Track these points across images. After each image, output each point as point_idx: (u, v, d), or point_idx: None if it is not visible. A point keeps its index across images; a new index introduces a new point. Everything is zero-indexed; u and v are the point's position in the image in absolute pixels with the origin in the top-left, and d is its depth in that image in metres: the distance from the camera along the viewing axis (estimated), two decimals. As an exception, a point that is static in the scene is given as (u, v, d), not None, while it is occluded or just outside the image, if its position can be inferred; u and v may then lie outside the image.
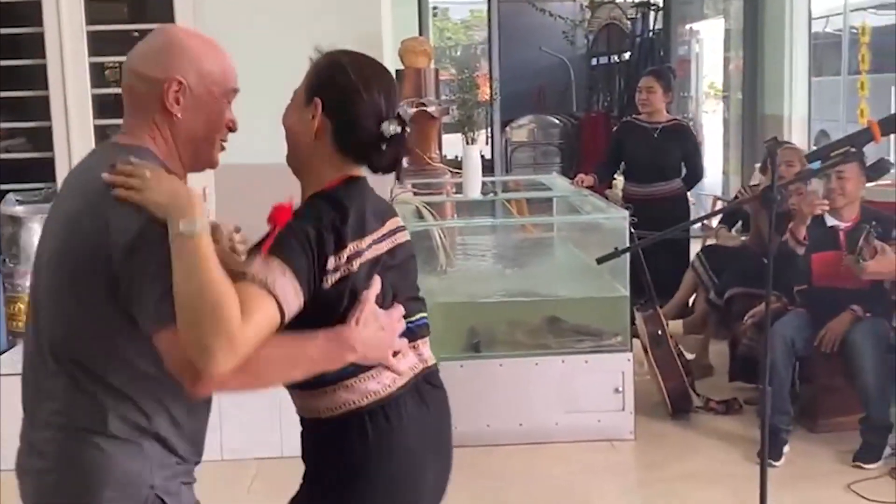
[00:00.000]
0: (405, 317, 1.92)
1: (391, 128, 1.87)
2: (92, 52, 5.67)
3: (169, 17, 5.63)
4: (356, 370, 1.86)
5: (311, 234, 1.79)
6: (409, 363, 1.95)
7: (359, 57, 2.00)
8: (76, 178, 1.90)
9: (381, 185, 5.51)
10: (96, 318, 1.74)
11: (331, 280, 1.79)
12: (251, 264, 1.77)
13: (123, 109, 1.89)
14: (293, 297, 1.72)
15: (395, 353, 1.89)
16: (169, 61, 1.83)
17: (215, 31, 5.79)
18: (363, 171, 1.97)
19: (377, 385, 1.89)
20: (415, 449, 1.96)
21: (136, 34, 5.65)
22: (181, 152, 1.87)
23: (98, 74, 5.83)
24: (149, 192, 1.67)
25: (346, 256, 1.81)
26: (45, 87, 5.66)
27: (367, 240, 1.87)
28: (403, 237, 2.01)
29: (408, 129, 1.95)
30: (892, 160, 5.51)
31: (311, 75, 1.98)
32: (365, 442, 1.91)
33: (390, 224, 1.97)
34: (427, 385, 2.01)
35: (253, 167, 5.55)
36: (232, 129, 1.98)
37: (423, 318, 2.04)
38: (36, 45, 5.63)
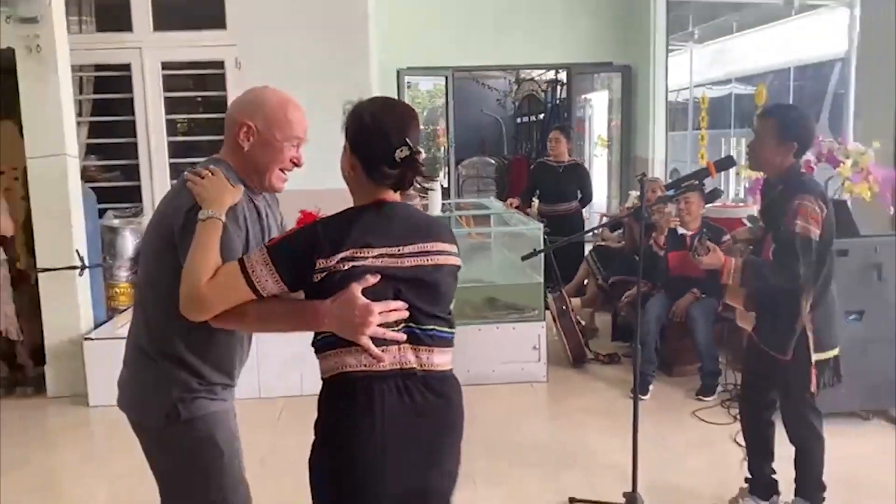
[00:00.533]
0: (413, 322, 1.70)
1: (401, 153, 1.68)
2: (167, 112, 5.68)
3: (222, 85, 5.70)
4: (338, 342, 1.67)
5: (309, 238, 1.70)
6: (394, 357, 1.69)
7: (377, 101, 1.86)
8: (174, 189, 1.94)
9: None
10: (158, 275, 1.84)
11: (319, 276, 1.65)
12: (255, 251, 1.73)
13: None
14: (271, 283, 1.65)
15: (388, 343, 1.67)
16: (247, 109, 1.87)
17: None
18: (395, 196, 1.78)
19: (354, 361, 1.67)
20: (379, 433, 1.68)
21: (199, 99, 5.75)
22: (247, 175, 1.88)
23: (171, 127, 5.83)
24: (199, 187, 1.76)
25: (338, 258, 1.65)
26: (134, 136, 5.67)
27: (376, 251, 1.68)
28: (436, 260, 1.74)
29: (420, 152, 1.73)
30: (722, 189, 5.71)
31: (345, 126, 1.80)
32: (338, 405, 1.71)
33: (420, 246, 1.73)
34: (421, 387, 1.73)
35: (285, 192, 5.76)
36: (297, 165, 1.94)
37: (438, 331, 1.75)
38: (127, 106, 5.64)
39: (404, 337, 1.68)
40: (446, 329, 1.78)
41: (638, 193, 4.77)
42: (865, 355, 3.83)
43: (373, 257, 1.67)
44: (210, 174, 1.78)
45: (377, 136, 1.71)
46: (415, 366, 1.71)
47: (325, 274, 1.65)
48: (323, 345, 1.71)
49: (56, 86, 4.53)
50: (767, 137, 2.83)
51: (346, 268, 1.64)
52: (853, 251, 3.81)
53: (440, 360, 1.74)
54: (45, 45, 4.48)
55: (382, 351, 1.64)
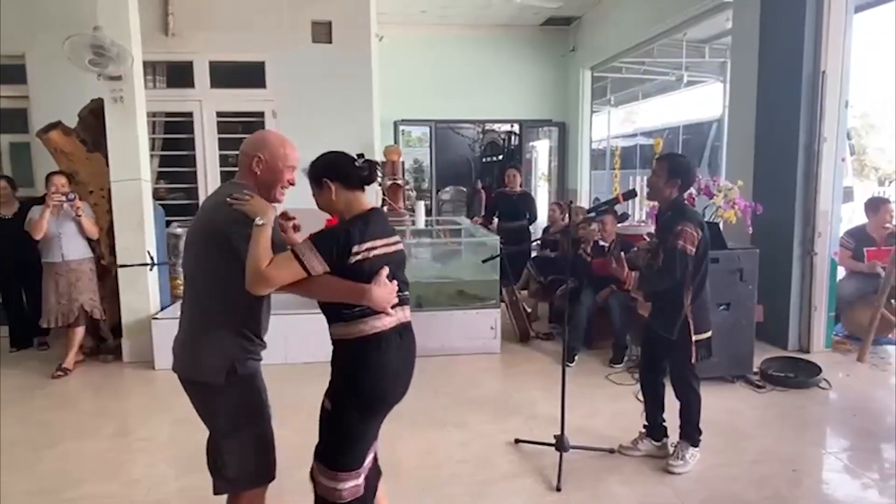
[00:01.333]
0: (398, 291, 1.91)
1: (359, 160, 1.91)
2: (220, 148, 5.65)
3: (262, 129, 5.71)
4: (369, 312, 1.83)
5: (343, 232, 1.83)
6: (397, 316, 1.91)
7: (325, 154, 1.96)
8: (214, 196, 1.95)
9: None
10: (213, 268, 1.86)
11: (354, 259, 1.80)
12: (297, 245, 1.83)
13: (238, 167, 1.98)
14: (317, 264, 1.78)
15: (392, 307, 1.88)
16: (258, 146, 1.93)
17: (290, 137, 6.01)
18: (370, 204, 1.93)
19: (379, 323, 1.86)
20: (394, 366, 1.91)
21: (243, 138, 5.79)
22: (260, 193, 1.89)
23: (224, 160, 5.79)
24: (249, 206, 1.80)
25: (365, 248, 1.81)
26: (194, 166, 5.64)
27: (378, 242, 1.86)
28: (399, 247, 1.98)
29: (372, 159, 1.96)
30: (629, 213, 5.75)
31: (313, 173, 1.92)
32: (368, 354, 1.86)
33: (393, 239, 1.95)
34: (405, 331, 1.97)
35: (306, 210, 5.76)
36: (292, 184, 1.98)
37: (407, 295, 1.99)
38: (189, 144, 5.62)
39: (397, 301, 1.91)
40: (407, 293, 2.00)
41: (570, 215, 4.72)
42: (731, 335, 3.89)
43: (380, 245, 1.87)
44: (250, 196, 1.83)
45: (338, 160, 1.93)
46: (402, 320, 1.96)
47: (359, 258, 1.82)
48: (359, 314, 1.85)
49: (134, 126, 4.49)
50: (660, 176, 2.86)
51: (371, 255, 1.83)
52: (722, 260, 3.86)
53: (408, 313, 2.01)
54: (127, 96, 4.45)
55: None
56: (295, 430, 3.21)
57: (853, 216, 7.29)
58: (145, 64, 4.86)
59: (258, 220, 1.77)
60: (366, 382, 1.88)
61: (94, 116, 4.68)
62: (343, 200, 1.91)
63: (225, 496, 2.03)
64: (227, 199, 1.81)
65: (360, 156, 1.94)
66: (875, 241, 4.87)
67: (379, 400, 1.93)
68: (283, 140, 1.97)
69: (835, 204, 4.62)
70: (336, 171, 1.91)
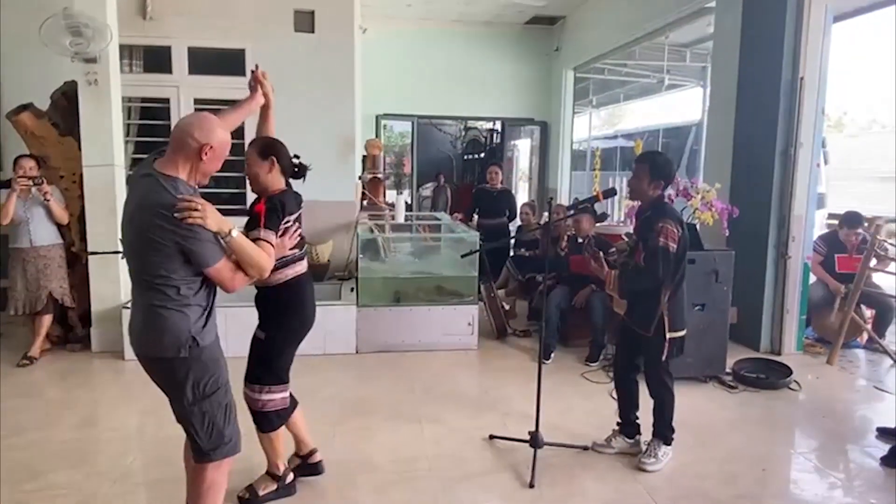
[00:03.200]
0: (300, 247, 2.47)
1: (295, 161, 2.47)
2: None
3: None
4: (289, 261, 2.41)
5: (280, 208, 2.28)
6: (304, 264, 2.51)
7: (276, 139, 2.50)
8: (141, 188, 1.90)
9: (351, 213, 5.76)
10: (156, 262, 1.85)
11: (282, 228, 2.28)
12: (260, 232, 2.17)
13: (170, 149, 1.91)
14: (274, 239, 2.19)
15: (301, 259, 2.48)
16: (205, 135, 1.90)
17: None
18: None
19: (294, 271, 2.45)
20: (308, 300, 2.52)
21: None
22: (198, 178, 1.94)
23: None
24: (205, 222, 1.84)
25: (286, 220, 2.30)
26: None
27: (294, 214, 2.37)
28: (300, 214, 2.45)
29: (304, 164, 2.50)
30: (609, 213, 5.81)
31: (265, 148, 2.41)
32: (291, 294, 2.46)
33: (298, 212, 2.43)
34: (310, 276, 2.57)
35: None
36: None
37: (307, 251, 2.61)
38: (166, 131, 5.38)
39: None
40: (306, 249, 2.60)
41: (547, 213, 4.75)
42: (705, 335, 3.93)
43: (294, 216, 2.37)
44: (197, 207, 1.83)
45: (285, 149, 2.46)
46: (306, 268, 2.55)
47: (284, 227, 2.30)
48: (287, 262, 2.41)
49: (108, 111, 4.39)
50: (642, 175, 2.88)
51: (287, 224, 2.31)
52: (699, 261, 3.89)
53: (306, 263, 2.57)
54: (102, 79, 4.34)
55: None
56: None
57: (825, 222, 7.45)
58: (122, 48, 4.77)
59: (228, 237, 1.91)
60: (294, 313, 2.49)
61: (66, 99, 4.57)
62: (273, 179, 2.39)
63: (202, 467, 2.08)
64: (175, 215, 1.80)
65: (296, 157, 2.49)
66: (846, 247, 4.96)
67: (302, 325, 2.52)
68: (225, 130, 2.00)
69: (809, 209, 4.70)
70: (282, 155, 2.42)
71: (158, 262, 1.86)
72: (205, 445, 2.01)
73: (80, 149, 4.45)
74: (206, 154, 1.91)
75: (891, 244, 4.56)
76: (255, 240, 2.32)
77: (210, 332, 2.00)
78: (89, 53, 4.22)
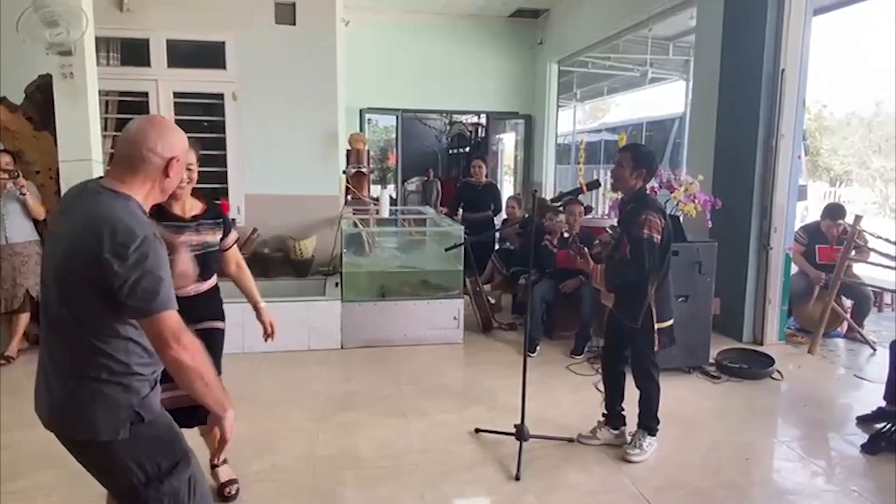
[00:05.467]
0: None
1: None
2: None
3: (221, 112, 5.52)
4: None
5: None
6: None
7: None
8: (85, 218, 1.45)
9: (335, 208, 5.72)
10: (93, 306, 1.46)
11: None
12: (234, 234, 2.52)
13: (121, 167, 1.53)
14: None
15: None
16: (168, 146, 1.55)
17: (251, 121, 5.82)
18: None
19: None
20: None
21: (205, 123, 5.52)
22: (153, 199, 1.59)
23: None
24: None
25: None
26: None
27: None
28: None
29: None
30: (593, 206, 5.82)
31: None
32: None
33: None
34: None
35: (269, 196, 5.61)
36: (191, 181, 2.28)
37: None
38: None
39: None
40: None
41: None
42: (689, 327, 3.94)
43: None
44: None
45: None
46: None
47: None
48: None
49: (85, 105, 4.27)
50: (624, 164, 2.88)
51: None
52: (682, 252, 3.91)
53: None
54: (78, 73, 4.22)
55: None
56: (249, 420, 3.20)
57: (806, 214, 7.53)
58: (98, 40, 4.66)
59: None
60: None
61: (42, 93, 4.46)
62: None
63: None
64: (135, 251, 1.41)
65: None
66: (827, 238, 5.02)
67: None
68: (182, 134, 1.64)
69: (790, 200, 4.74)
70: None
71: (86, 307, 1.44)
72: None
73: (56, 143, 4.34)
74: (172, 169, 1.56)
75: (870, 234, 4.63)
76: (235, 241, 2.57)
77: (156, 395, 1.59)
78: (69, 42, 4.12)
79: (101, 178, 1.58)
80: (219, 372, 2.32)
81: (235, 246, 2.61)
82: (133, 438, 1.51)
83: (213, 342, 2.31)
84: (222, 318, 2.47)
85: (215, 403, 1.54)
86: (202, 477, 1.69)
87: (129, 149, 1.54)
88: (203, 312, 2.37)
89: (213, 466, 2.61)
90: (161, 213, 2.23)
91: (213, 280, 2.46)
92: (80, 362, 1.47)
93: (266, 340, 2.60)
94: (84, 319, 1.46)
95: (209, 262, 2.38)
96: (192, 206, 2.39)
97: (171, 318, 1.45)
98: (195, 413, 2.08)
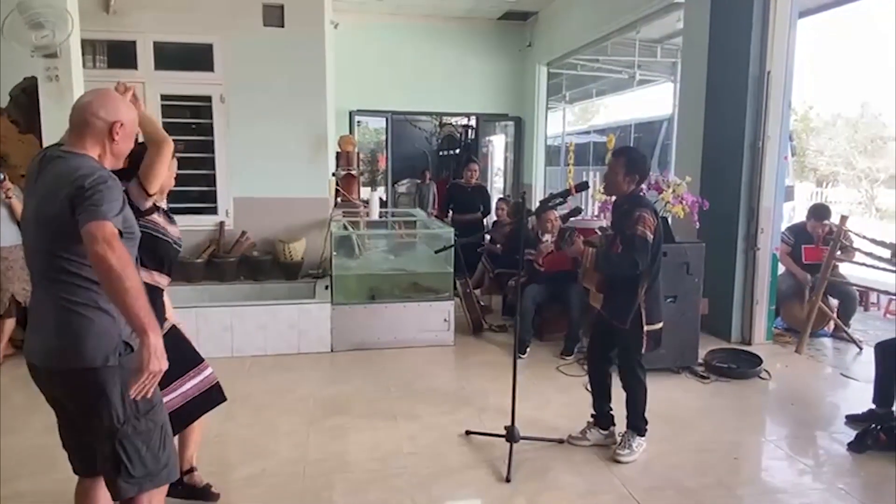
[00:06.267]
0: None
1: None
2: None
3: (209, 114, 5.48)
4: None
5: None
6: None
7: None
8: (64, 165, 1.63)
9: (324, 210, 5.70)
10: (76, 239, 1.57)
11: None
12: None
13: (72, 135, 1.69)
14: None
15: None
16: (112, 111, 1.70)
17: (239, 124, 5.79)
18: None
19: None
20: None
21: (193, 126, 5.49)
22: (107, 162, 1.72)
23: None
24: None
25: None
26: None
27: None
28: None
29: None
30: (582, 207, 5.80)
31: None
32: None
33: None
34: None
35: (257, 199, 5.58)
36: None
37: None
38: None
39: None
40: None
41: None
42: (677, 327, 3.97)
43: None
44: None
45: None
46: None
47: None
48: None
49: (71, 108, 4.25)
50: (618, 169, 2.89)
51: None
52: (671, 253, 3.92)
53: None
54: (63, 75, 4.19)
55: None
56: (241, 425, 3.18)
57: (793, 215, 7.60)
58: (84, 43, 4.61)
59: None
60: None
61: (27, 96, 4.42)
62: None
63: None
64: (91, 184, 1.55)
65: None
66: (813, 238, 5.07)
67: None
68: (129, 105, 1.81)
69: (777, 201, 4.78)
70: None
71: (71, 241, 1.57)
72: (137, 472, 1.67)
73: (41, 146, 4.30)
74: (117, 133, 1.70)
75: (855, 235, 4.67)
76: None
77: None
78: (54, 44, 4.08)
79: (57, 144, 1.73)
80: (200, 360, 2.40)
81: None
82: (119, 367, 1.62)
83: (181, 337, 2.35)
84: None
85: (135, 317, 1.49)
86: (171, 436, 1.81)
87: (75, 116, 1.71)
88: (164, 308, 2.29)
89: (188, 471, 2.54)
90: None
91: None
92: (69, 294, 1.61)
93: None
94: (66, 252, 1.60)
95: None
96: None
97: (108, 226, 1.52)
98: (177, 416, 2.20)
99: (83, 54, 4.50)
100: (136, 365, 1.51)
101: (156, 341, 1.51)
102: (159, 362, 1.52)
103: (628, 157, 2.91)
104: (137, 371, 1.51)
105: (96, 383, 1.63)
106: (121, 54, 5.33)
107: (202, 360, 2.43)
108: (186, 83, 5.41)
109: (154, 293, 2.05)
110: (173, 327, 2.36)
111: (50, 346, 1.64)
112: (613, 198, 3.08)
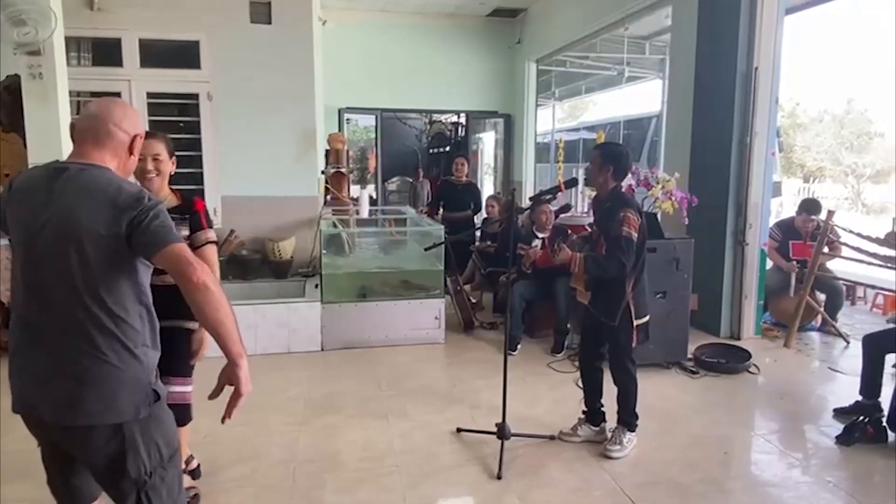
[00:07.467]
0: None
1: None
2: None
3: (196, 112, 5.45)
4: None
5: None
6: None
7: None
8: (86, 186, 1.45)
9: (314, 209, 5.67)
10: (116, 270, 1.47)
11: None
12: (209, 233, 2.30)
13: (87, 144, 1.51)
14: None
15: None
16: (132, 122, 1.58)
17: (227, 122, 5.73)
18: None
19: None
20: None
21: (181, 125, 5.46)
22: (125, 175, 1.58)
23: None
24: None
25: None
26: None
27: None
28: None
29: None
30: (572, 204, 5.85)
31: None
32: None
33: None
34: None
35: (246, 198, 5.54)
36: (160, 172, 2.28)
37: None
38: None
39: None
40: None
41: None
42: (667, 323, 3.99)
43: None
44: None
45: None
46: None
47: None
48: None
49: (55, 106, 4.18)
50: (596, 162, 2.93)
51: None
52: (660, 249, 3.95)
53: None
54: (47, 73, 4.14)
55: None
56: (231, 425, 3.11)
57: (780, 210, 7.67)
58: (68, 40, 4.56)
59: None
60: None
61: (10, 94, 4.36)
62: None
63: None
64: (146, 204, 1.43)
65: None
66: (801, 234, 5.11)
67: None
68: (138, 113, 1.69)
69: (765, 196, 4.81)
70: None
71: (117, 280, 1.41)
72: None
73: (25, 146, 4.25)
74: (135, 147, 1.58)
75: (842, 230, 4.71)
76: (206, 241, 2.33)
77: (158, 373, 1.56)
78: (37, 42, 4.02)
79: (57, 161, 1.52)
80: (184, 372, 2.34)
81: (209, 251, 2.33)
82: (149, 418, 1.49)
83: (181, 342, 2.27)
84: (191, 317, 2.29)
85: (234, 343, 1.41)
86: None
87: (94, 124, 1.53)
88: (179, 308, 2.26)
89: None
90: None
91: None
92: (101, 337, 1.41)
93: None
94: (104, 286, 1.42)
95: None
96: (170, 201, 2.33)
97: (187, 248, 1.43)
98: (186, 412, 2.33)
99: (67, 52, 4.45)
100: (235, 391, 1.45)
101: (247, 364, 1.45)
102: (250, 384, 1.47)
103: (604, 150, 2.97)
104: (236, 397, 1.45)
105: (127, 438, 1.46)
106: (106, 52, 5.27)
107: (187, 374, 2.39)
108: (173, 81, 5.36)
109: (156, 290, 2.05)
110: (188, 331, 2.35)
111: (71, 401, 1.42)
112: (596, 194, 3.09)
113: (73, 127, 1.58)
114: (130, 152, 1.58)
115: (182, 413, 2.32)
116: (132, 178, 1.98)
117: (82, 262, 1.40)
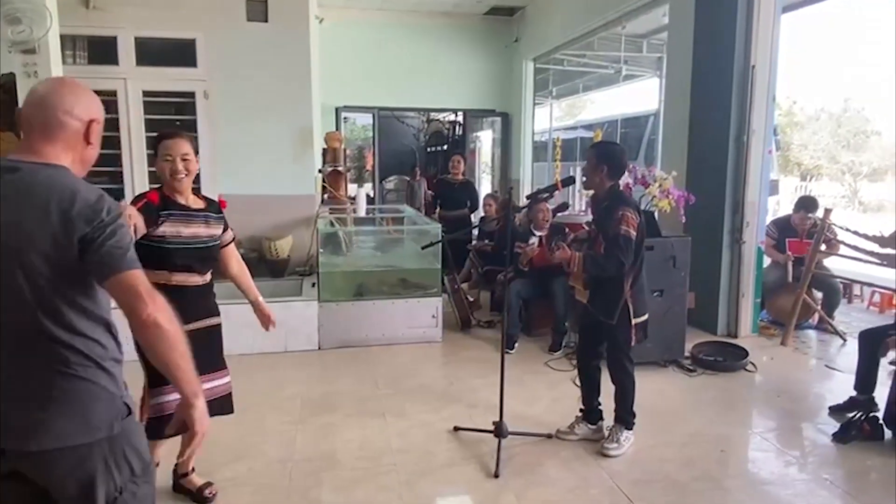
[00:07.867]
0: None
1: None
2: (147, 130, 5.30)
3: (192, 111, 5.44)
4: None
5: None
6: None
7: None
8: (49, 190, 1.27)
9: (311, 207, 5.66)
10: (82, 285, 1.33)
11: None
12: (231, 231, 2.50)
13: (35, 137, 1.31)
14: None
15: None
16: (88, 106, 1.38)
17: (223, 120, 5.74)
18: None
19: None
20: None
21: (178, 122, 5.43)
22: (82, 168, 1.40)
23: (151, 142, 5.40)
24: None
25: None
26: (119, 148, 5.31)
27: None
28: None
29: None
30: (569, 203, 5.85)
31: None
32: None
33: None
34: None
35: (243, 196, 5.51)
36: (189, 172, 2.29)
37: None
38: (113, 125, 5.23)
39: None
40: None
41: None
42: (664, 321, 3.99)
43: None
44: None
45: None
46: None
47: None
48: None
49: (27, 102, 4.18)
50: (589, 163, 2.93)
51: None
52: (657, 247, 3.95)
53: None
54: (42, 71, 4.12)
55: None
56: (228, 424, 3.09)
57: (777, 208, 7.68)
58: (64, 38, 4.55)
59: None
60: None
61: (5, 92, 4.32)
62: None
63: None
64: (106, 216, 1.28)
65: None
66: (797, 232, 5.11)
67: None
68: (97, 97, 1.45)
69: (762, 194, 4.81)
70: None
71: (82, 293, 1.29)
72: None
73: (21, 144, 4.24)
74: (92, 134, 1.38)
75: (839, 227, 4.72)
76: (232, 239, 2.56)
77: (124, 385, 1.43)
78: (32, 40, 4.01)
79: (7, 158, 1.32)
80: (223, 366, 2.45)
81: (234, 247, 2.61)
82: (121, 434, 1.36)
83: (216, 338, 2.45)
84: (219, 313, 2.47)
85: (188, 384, 1.32)
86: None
87: (42, 113, 1.32)
88: (207, 305, 2.43)
89: (184, 475, 2.58)
90: (169, 202, 2.29)
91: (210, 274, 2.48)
92: (66, 354, 1.29)
93: (267, 329, 2.63)
94: (62, 301, 1.28)
95: (215, 254, 2.44)
96: (196, 201, 2.41)
97: (143, 276, 1.29)
98: (229, 402, 2.43)
99: (63, 50, 4.43)
100: (191, 432, 1.37)
101: (202, 404, 1.36)
102: (206, 422, 1.38)
103: (598, 150, 2.96)
104: (191, 437, 1.38)
105: (98, 457, 1.33)
106: (101, 50, 5.27)
107: (225, 366, 2.48)
108: (169, 79, 5.36)
109: (182, 293, 2.21)
110: (219, 326, 2.48)
111: (38, 423, 1.28)
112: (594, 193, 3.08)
113: (19, 115, 1.37)
114: (87, 141, 1.38)
115: (225, 403, 2.45)
116: (164, 176, 2.29)
117: (33, 279, 1.25)
